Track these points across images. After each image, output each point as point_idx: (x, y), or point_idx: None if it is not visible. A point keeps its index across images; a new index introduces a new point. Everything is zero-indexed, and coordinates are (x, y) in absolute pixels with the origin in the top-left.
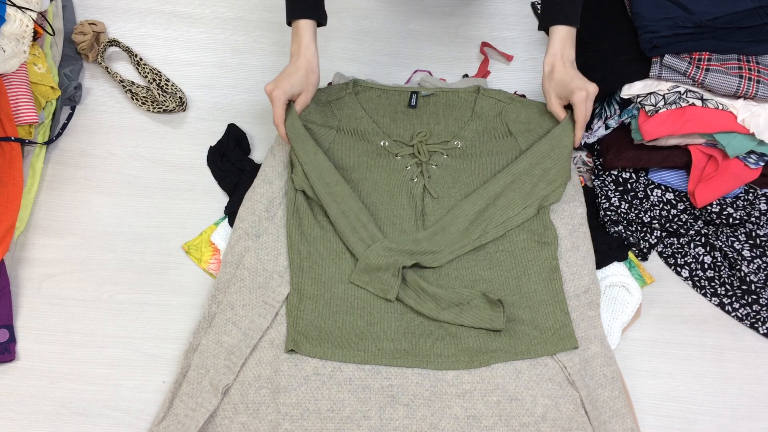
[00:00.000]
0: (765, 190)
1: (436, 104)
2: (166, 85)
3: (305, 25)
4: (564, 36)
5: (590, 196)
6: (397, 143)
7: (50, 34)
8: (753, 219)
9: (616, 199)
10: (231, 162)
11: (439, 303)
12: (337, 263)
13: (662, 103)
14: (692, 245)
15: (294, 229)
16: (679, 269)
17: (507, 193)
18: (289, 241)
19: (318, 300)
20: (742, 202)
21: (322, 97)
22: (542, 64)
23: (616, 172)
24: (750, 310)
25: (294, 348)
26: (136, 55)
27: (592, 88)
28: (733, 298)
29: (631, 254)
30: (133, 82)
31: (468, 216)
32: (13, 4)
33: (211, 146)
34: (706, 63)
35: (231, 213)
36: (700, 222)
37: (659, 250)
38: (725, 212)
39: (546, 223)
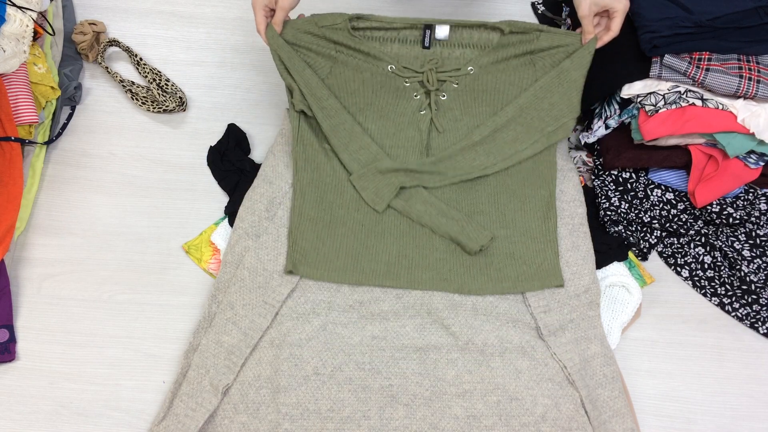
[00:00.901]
0: (765, 190)
1: (453, 40)
2: (166, 85)
3: None
4: None
5: (590, 196)
6: (406, 69)
7: (50, 34)
8: (753, 219)
9: (616, 199)
10: (231, 162)
11: (428, 208)
12: (339, 190)
13: (662, 102)
14: (692, 245)
15: (299, 155)
16: (679, 269)
17: (514, 126)
18: (294, 166)
19: (318, 222)
20: (742, 202)
21: (313, 27)
22: None
23: (616, 172)
24: (750, 310)
25: (292, 269)
26: (136, 55)
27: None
28: (733, 298)
29: (631, 254)
30: (133, 82)
31: (475, 148)
32: (13, 4)
33: (211, 146)
34: (706, 63)
35: (231, 213)
36: (700, 222)
37: (659, 250)
38: (725, 212)
39: (551, 161)
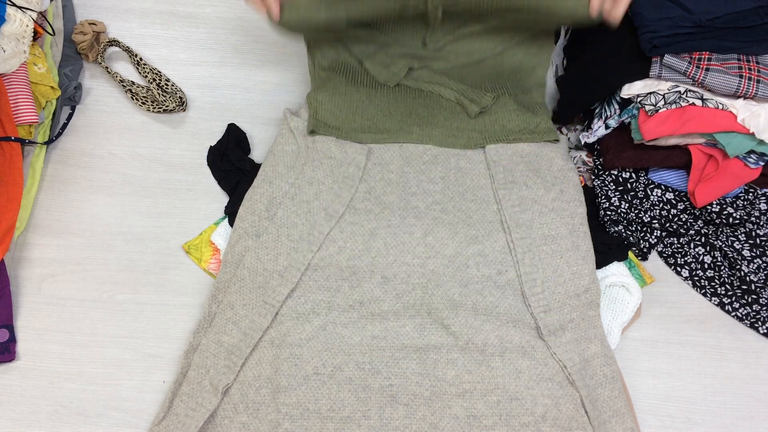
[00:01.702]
0: (765, 190)
1: None
2: (166, 85)
3: None
4: None
5: (590, 196)
6: None
7: (50, 34)
8: (753, 219)
9: (616, 198)
10: (231, 162)
11: (433, 81)
12: (353, 70)
13: (662, 102)
14: (692, 245)
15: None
16: (679, 269)
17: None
18: (310, 65)
19: (335, 95)
20: (742, 202)
21: None
22: None
23: (616, 172)
24: (750, 310)
25: (314, 129)
26: (136, 55)
27: None
28: (733, 298)
29: (631, 254)
30: (133, 82)
31: (480, 35)
32: (13, 4)
33: (211, 146)
34: (706, 63)
35: (231, 213)
36: (700, 222)
37: (659, 249)
38: (725, 212)
39: (549, 29)
